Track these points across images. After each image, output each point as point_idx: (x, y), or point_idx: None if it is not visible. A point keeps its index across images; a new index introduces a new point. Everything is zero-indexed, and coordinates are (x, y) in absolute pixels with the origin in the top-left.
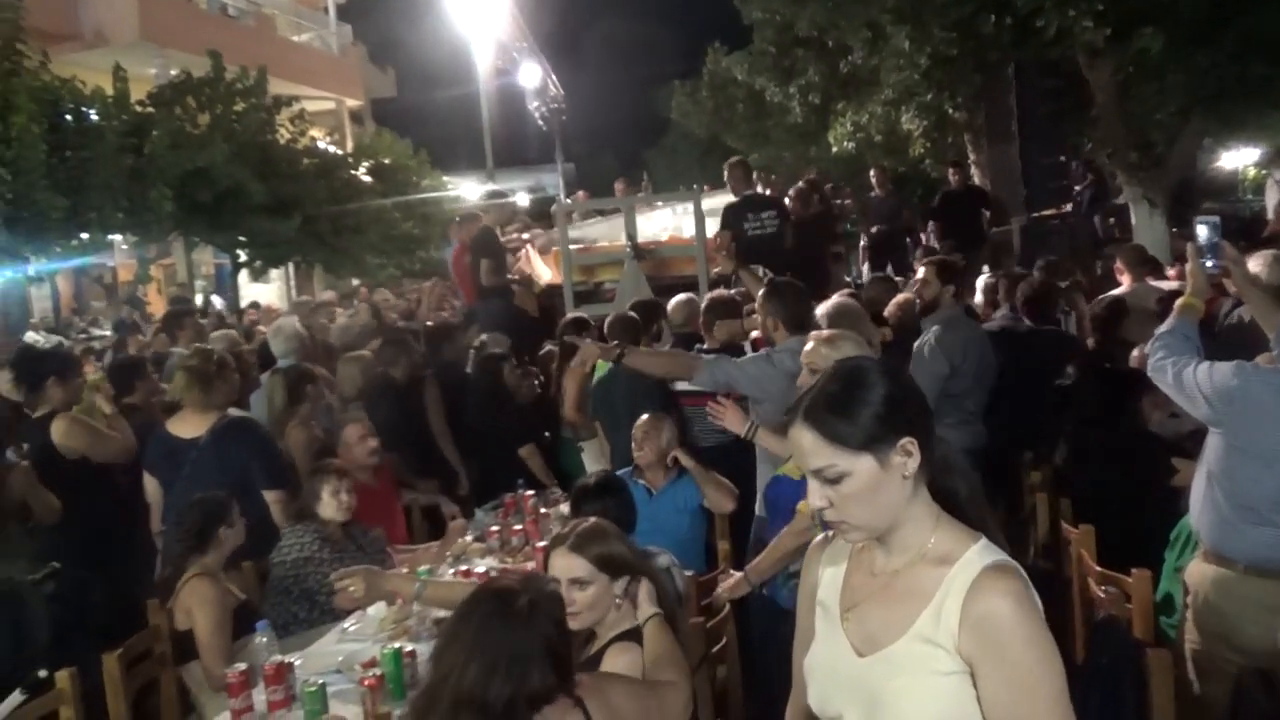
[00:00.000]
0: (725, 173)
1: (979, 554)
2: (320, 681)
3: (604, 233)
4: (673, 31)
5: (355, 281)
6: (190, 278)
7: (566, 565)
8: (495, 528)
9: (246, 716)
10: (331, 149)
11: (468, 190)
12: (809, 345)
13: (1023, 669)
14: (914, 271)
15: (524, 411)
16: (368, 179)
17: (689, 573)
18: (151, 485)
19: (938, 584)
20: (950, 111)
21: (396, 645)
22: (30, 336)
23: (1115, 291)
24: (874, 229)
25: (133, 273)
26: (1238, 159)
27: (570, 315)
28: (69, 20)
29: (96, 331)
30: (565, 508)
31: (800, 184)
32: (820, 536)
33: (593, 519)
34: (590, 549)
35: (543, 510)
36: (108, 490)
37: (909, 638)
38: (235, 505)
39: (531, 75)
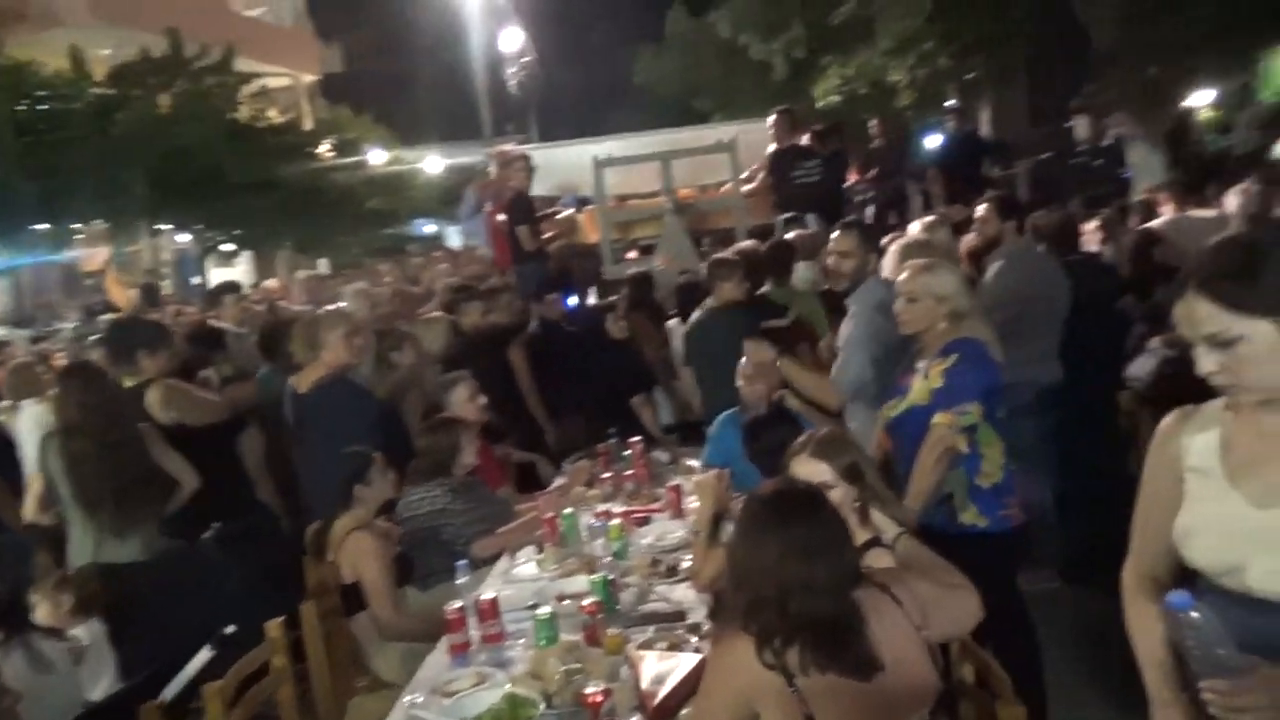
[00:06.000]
0: (770, 122)
1: None
2: (549, 610)
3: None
4: None
5: (321, 263)
6: (155, 264)
7: (810, 470)
8: (605, 475)
9: (464, 652)
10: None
11: (430, 164)
12: (905, 275)
13: None
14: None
15: (626, 361)
16: (331, 155)
17: None
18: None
19: None
20: (945, 61)
21: (602, 574)
22: None
23: (1154, 222)
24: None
25: (97, 263)
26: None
27: (632, 272)
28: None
29: (59, 325)
30: (662, 454)
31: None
32: (1175, 413)
33: (831, 428)
34: (829, 454)
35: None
36: (211, 454)
37: None
38: (378, 461)
39: (512, 40)
